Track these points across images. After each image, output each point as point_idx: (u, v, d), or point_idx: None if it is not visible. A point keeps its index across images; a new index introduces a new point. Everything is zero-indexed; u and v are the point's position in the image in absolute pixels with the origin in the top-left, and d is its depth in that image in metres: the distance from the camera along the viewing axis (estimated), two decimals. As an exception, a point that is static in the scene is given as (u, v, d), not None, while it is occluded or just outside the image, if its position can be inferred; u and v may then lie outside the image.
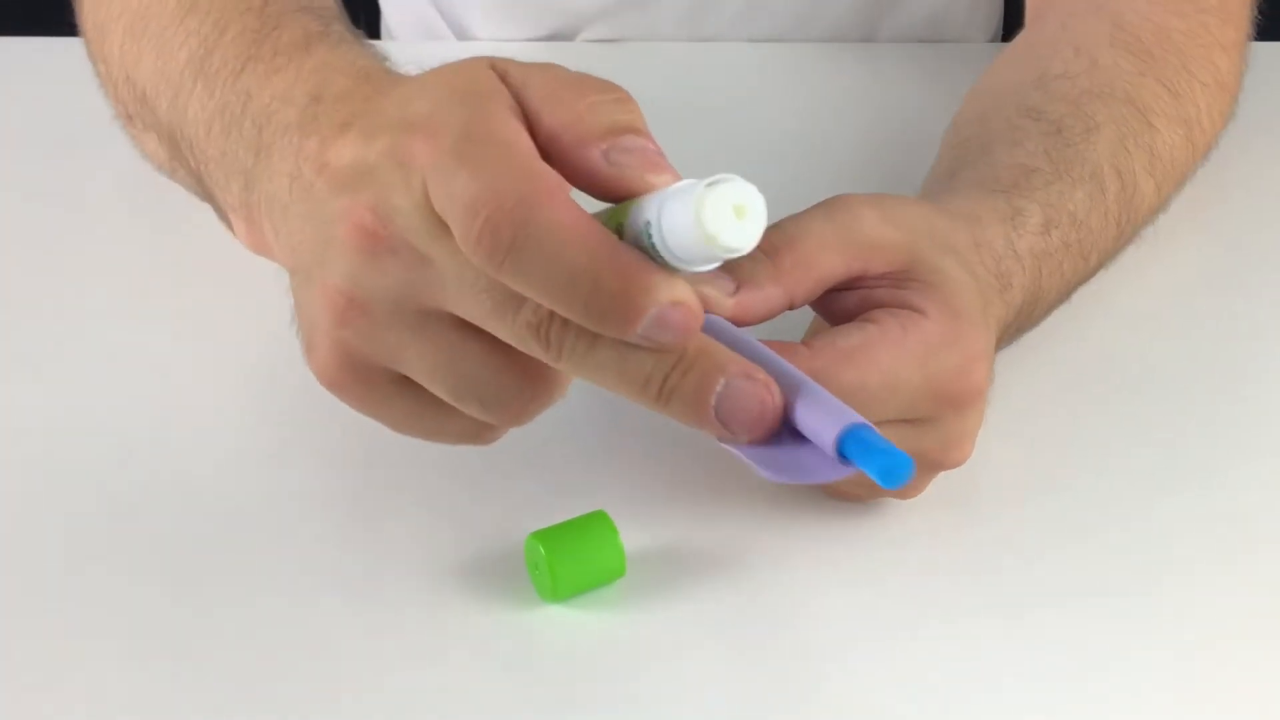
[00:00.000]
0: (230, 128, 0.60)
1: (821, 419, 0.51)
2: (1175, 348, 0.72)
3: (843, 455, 0.51)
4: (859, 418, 0.51)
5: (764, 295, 0.57)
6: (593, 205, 0.50)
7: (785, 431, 0.52)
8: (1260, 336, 0.73)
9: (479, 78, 0.51)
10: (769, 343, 0.56)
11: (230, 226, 0.63)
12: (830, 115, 0.88)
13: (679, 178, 0.50)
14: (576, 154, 0.50)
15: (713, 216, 0.47)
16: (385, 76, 0.57)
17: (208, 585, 0.60)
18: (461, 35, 1.01)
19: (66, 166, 0.84)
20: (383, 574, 0.60)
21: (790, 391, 0.52)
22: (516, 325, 0.49)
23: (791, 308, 0.59)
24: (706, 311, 0.52)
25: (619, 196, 0.50)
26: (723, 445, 0.52)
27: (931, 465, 0.60)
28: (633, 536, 0.60)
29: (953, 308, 0.59)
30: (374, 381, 0.53)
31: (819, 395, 0.52)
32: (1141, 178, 0.71)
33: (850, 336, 0.57)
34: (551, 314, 0.49)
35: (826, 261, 0.59)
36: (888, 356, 0.57)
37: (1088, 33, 0.77)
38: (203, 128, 0.63)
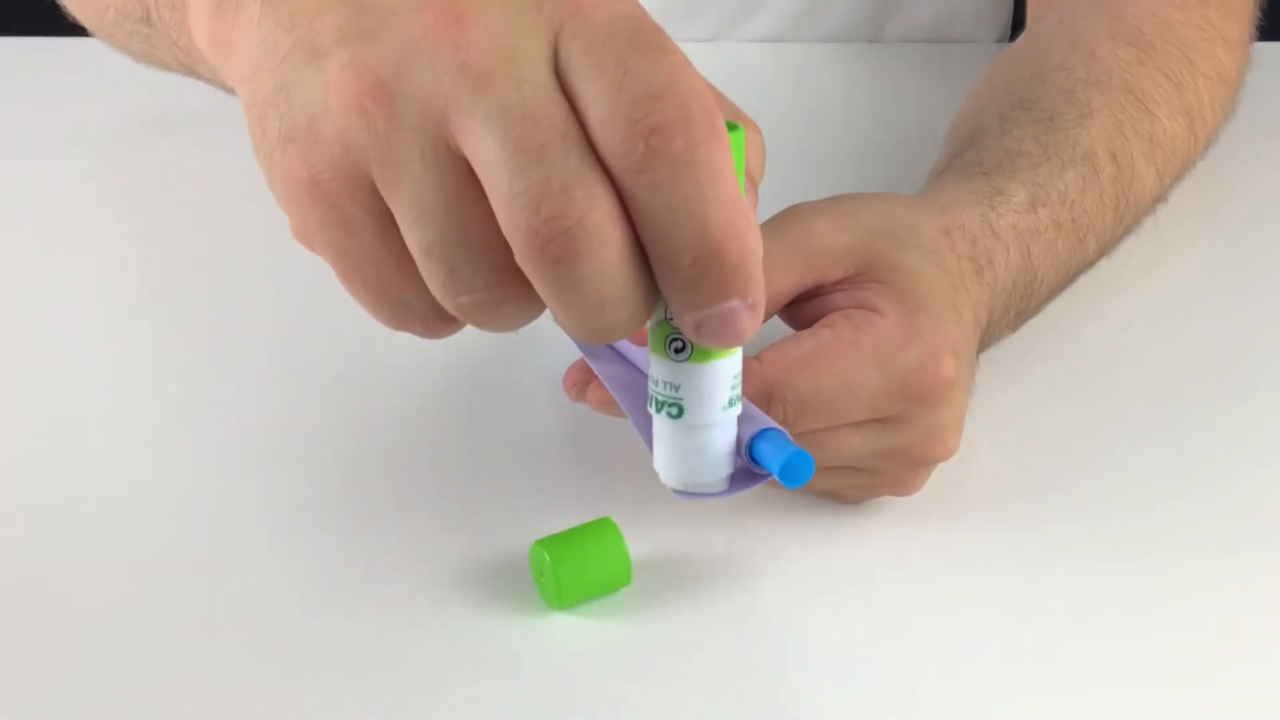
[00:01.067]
0: None
1: (742, 429, 0.49)
2: (1174, 347, 0.72)
3: (754, 460, 0.49)
4: (770, 422, 0.49)
5: None
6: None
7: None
8: (1260, 336, 0.73)
9: None
10: None
11: (168, 30, 0.55)
12: (836, 115, 0.88)
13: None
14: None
15: None
16: None
17: (211, 589, 0.60)
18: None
19: (67, 166, 0.84)
20: (388, 581, 0.60)
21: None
22: (517, 185, 0.41)
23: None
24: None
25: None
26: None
27: (916, 461, 0.60)
28: (639, 544, 0.60)
29: (910, 303, 0.58)
30: (354, 201, 0.44)
31: (750, 412, 0.50)
32: (1140, 163, 0.71)
33: (801, 344, 0.57)
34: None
35: (781, 279, 0.59)
36: (840, 360, 0.56)
37: (1086, 27, 0.77)
38: None
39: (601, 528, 0.59)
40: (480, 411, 0.68)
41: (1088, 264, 0.71)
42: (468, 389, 0.69)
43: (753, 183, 0.47)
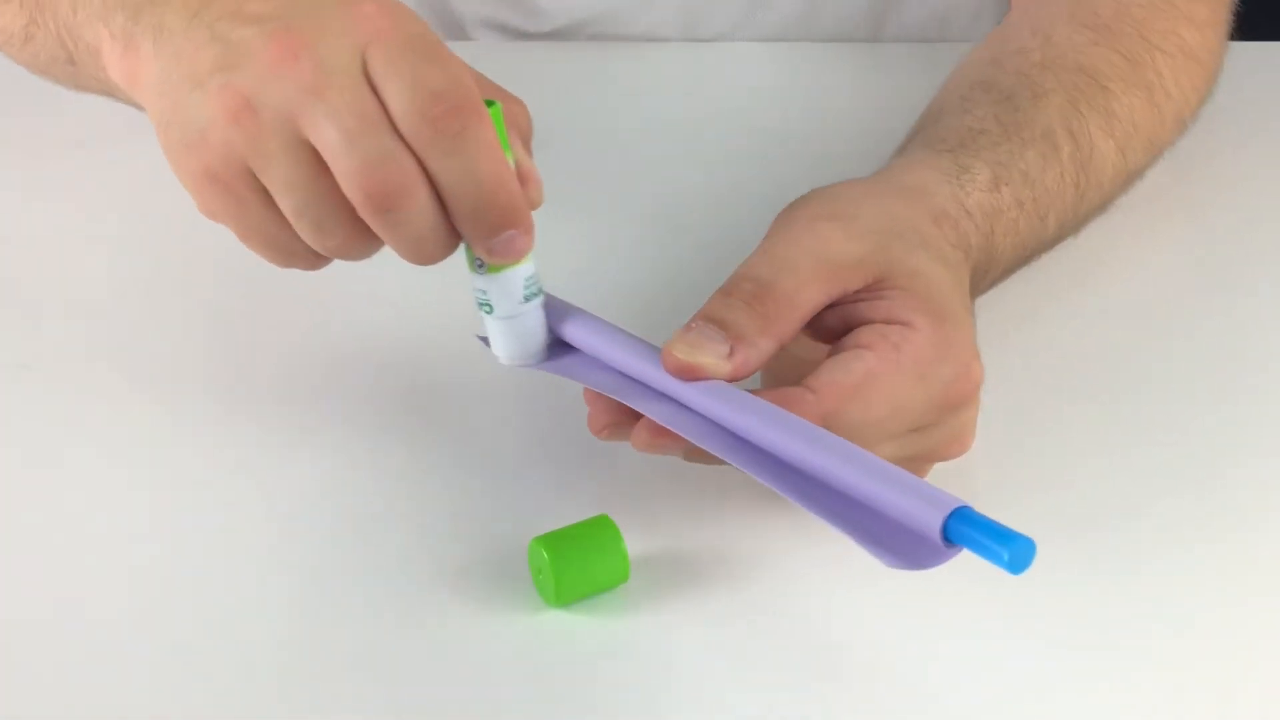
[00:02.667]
0: None
1: (915, 506, 0.53)
2: (1173, 346, 0.72)
3: (949, 540, 0.52)
4: (955, 500, 0.52)
5: (758, 351, 0.58)
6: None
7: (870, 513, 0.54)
8: (1259, 336, 0.73)
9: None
10: (771, 393, 0.57)
11: (89, 68, 0.68)
12: (834, 115, 0.88)
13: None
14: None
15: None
16: None
17: (208, 587, 0.60)
18: (460, 35, 1.01)
19: (67, 166, 0.84)
20: (386, 578, 0.60)
21: (869, 475, 0.54)
22: (352, 162, 0.56)
23: (782, 348, 0.59)
24: (705, 378, 0.58)
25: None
26: (823, 518, 0.55)
27: (937, 460, 0.61)
28: (637, 541, 0.60)
29: (937, 313, 0.59)
30: (241, 184, 0.58)
31: (899, 477, 0.53)
32: (1099, 139, 0.72)
33: (850, 371, 0.58)
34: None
35: (808, 298, 0.59)
36: (889, 384, 0.58)
37: (1046, 14, 0.78)
38: None
39: (599, 525, 0.59)
40: (478, 410, 0.68)
41: (1047, 243, 0.72)
42: (466, 388, 0.69)
43: (522, 138, 0.61)
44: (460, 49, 0.99)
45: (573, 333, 0.61)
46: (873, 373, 0.58)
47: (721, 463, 0.58)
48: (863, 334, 0.59)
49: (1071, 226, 0.73)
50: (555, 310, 0.61)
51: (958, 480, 0.62)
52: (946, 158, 0.67)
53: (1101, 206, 0.74)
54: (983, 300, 0.73)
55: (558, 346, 0.62)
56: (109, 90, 0.69)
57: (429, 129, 0.56)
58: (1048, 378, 0.70)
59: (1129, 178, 0.75)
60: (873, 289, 0.60)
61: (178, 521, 0.63)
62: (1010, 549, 0.51)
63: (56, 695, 0.56)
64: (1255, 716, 0.56)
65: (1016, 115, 0.71)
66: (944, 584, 0.60)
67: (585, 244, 0.78)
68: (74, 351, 0.72)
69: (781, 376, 0.61)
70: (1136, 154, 0.75)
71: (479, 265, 0.59)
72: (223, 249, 0.75)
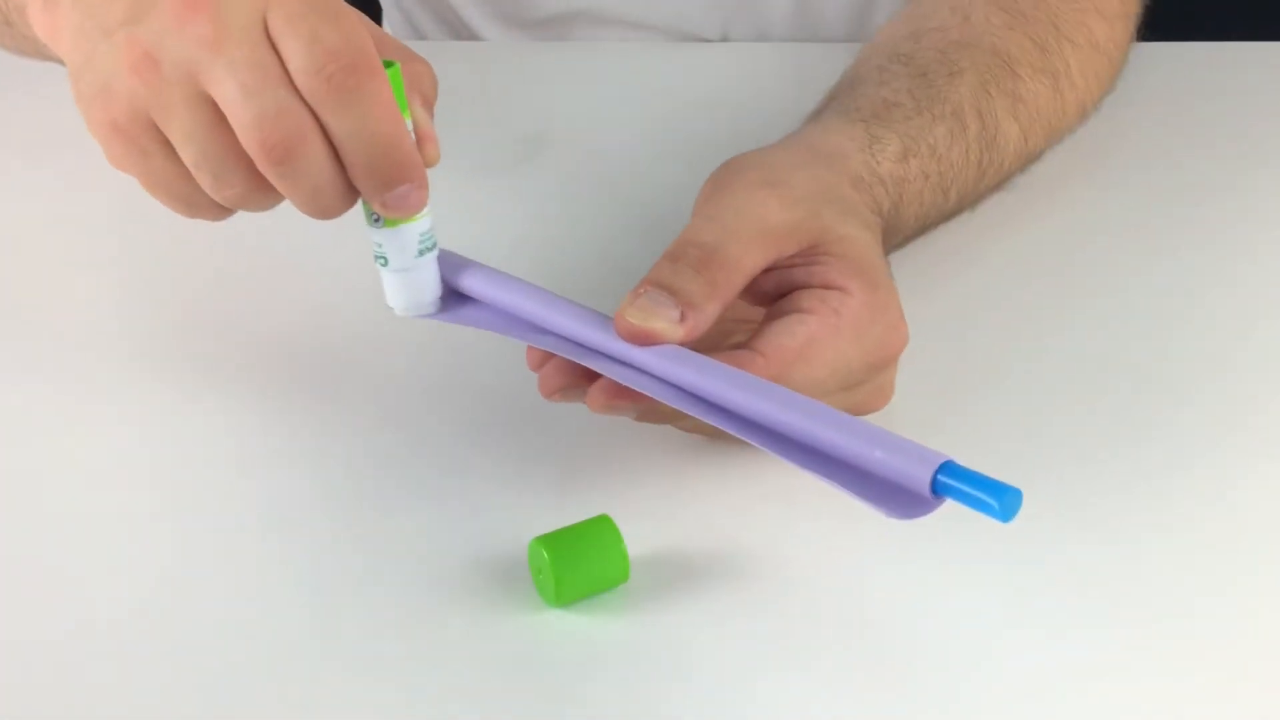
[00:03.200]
0: None
1: (903, 463, 0.55)
2: (1173, 345, 0.72)
3: (938, 494, 0.54)
4: (940, 455, 0.54)
5: (705, 315, 0.61)
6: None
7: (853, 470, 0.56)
8: (1257, 335, 0.73)
9: None
10: (722, 355, 0.60)
11: (21, 27, 0.70)
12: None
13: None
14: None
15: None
16: None
17: (209, 588, 0.60)
18: (459, 35, 1.01)
19: (66, 166, 0.84)
20: (386, 578, 0.60)
21: (855, 435, 0.56)
22: (247, 114, 0.57)
23: (724, 312, 0.62)
24: (657, 343, 0.59)
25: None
26: (812, 473, 0.56)
27: (859, 413, 0.63)
28: (637, 541, 0.60)
29: (869, 278, 0.63)
30: (144, 136, 0.59)
31: (883, 437, 0.55)
32: (1004, 120, 0.75)
33: (795, 335, 0.61)
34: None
35: (750, 263, 0.62)
36: (830, 346, 0.61)
37: None
38: None
39: (599, 525, 0.59)
40: (478, 409, 0.68)
41: (947, 214, 0.75)
42: (466, 387, 0.69)
43: (424, 99, 0.62)
44: (459, 49, 0.99)
45: (473, 285, 0.63)
46: (815, 336, 0.61)
47: (670, 422, 0.62)
48: (803, 299, 0.62)
49: (971, 201, 0.76)
50: (452, 264, 0.64)
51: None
52: (860, 127, 0.71)
53: (999, 185, 0.77)
54: (997, 297, 0.74)
55: (454, 298, 0.64)
56: (42, 52, 0.71)
57: (324, 85, 0.57)
58: (1043, 378, 0.70)
59: (1028, 159, 0.79)
60: (806, 254, 0.63)
61: (177, 522, 0.63)
62: (1000, 499, 0.53)
63: (55, 695, 0.56)
64: (1253, 713, 0.56)
65: (930, 91, 0.74)
66: (943, 582, 0.60)
67: (578, 242, 0.78)
68: (73, 349, 0.72)
69: (709, 337, 0.62)
70: (1037, 138, 0.78)
71: (375, 220, 0.61)
72: (224, 248, 0.75)
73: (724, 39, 0.96)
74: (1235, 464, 0.66)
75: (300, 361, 0.71)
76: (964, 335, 0.72)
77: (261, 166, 0.58)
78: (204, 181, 0.60)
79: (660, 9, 0.96)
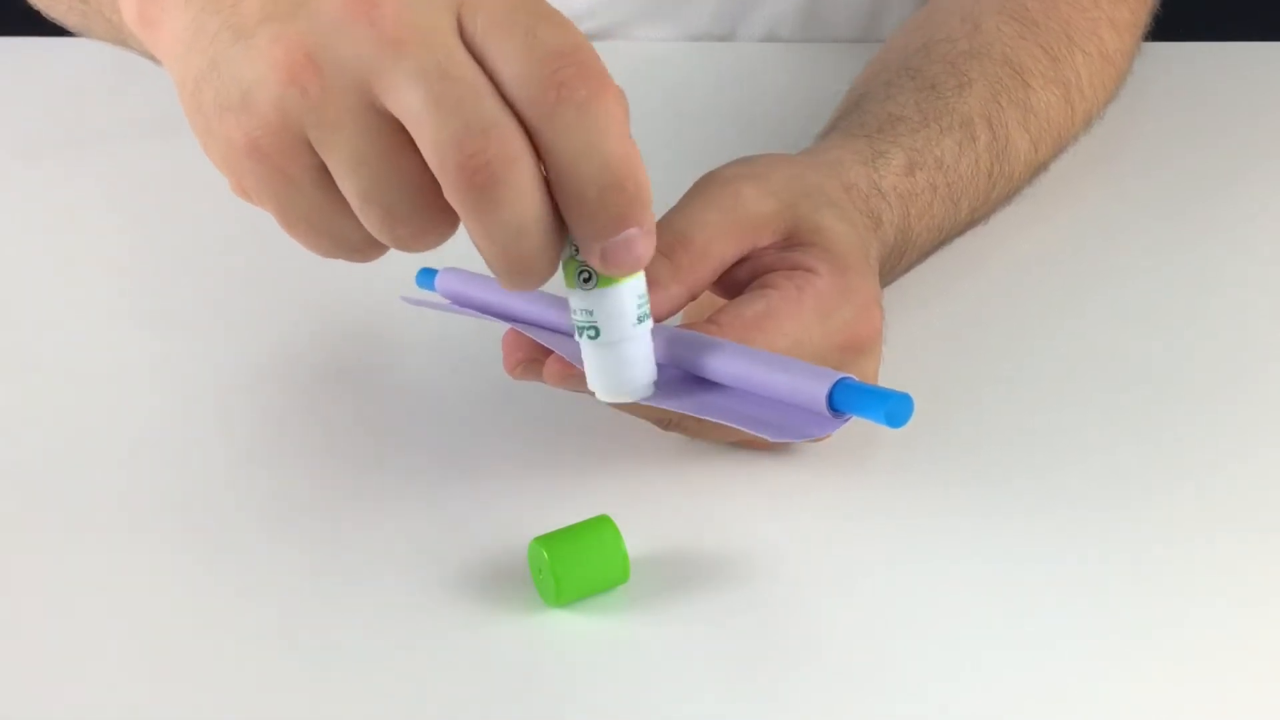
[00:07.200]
0: None
1: (803, 382, 0.56)
2: (1175, 346, 0.72)
3: (836, 410, 0.55)
4: (837, 374, 0.55)
5: (669, 295, 0.59)
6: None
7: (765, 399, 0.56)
8: (1261, 336, 0.73)
9: None
10: (681, 328, 0.60)
11: (102, 6, 0.61)
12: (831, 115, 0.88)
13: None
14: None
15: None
16: None
17: (207, 586, 0.60)
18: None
19: (66, 166, 0.84)
20: (385, 578, 0.60)
21: (761, 363, 0.57)
22: (445, 131, 0.47)
23: (693, 299, 0.61)
24: None
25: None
26: (715, 418, 0.56)
27: None
28: (637, 542, 0.60)
29: (840, 262, 0.62)
30: (293, 160, 0.49)
31: (789, 363, 0.56)
32: (1015, 132, 0.75)
33: (753, 305, 0.60)
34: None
35: (719, 249, 0.61)
36: (789, 320, 0.60)
37: (977, 3, 0.80)
38: None
39: (599, 525, 0.59)
40: (478, 409, 0.68)
41: (960, 226, 0.74)
42: (466, 386, 0.69)
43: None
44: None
45: (474, 292, 0.62)
46: (773, 308, 0.60)
47: (640, 415, 0.61)
48: (768, 278, 0.61)
49: (983, 213, 0.75)
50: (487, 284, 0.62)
51: (954, 478, 0.63)
52: (863, 141, 0.70)
53: (1010, 196, 0.77)
54: (997, 297, 0.74)
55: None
56: (120, 37, 0.62)
57: (551, 94, 0.47)
58: (1040, 377, 0.70)
59: (1037, 170, 0.78)
60: (780, 245, 0.62)
61: (175, 522, 0.63)
62: (887, 406, 0.54)
63: (55, 695, 0.56)
64: (1251, 711, 0.56)
65: (938, 104, 0.73)
66: (943, 582, 0.60)
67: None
68: (73, 349, 0.72)
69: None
70: (1047, 148, 0.78)
71: (585, 280, 0.51)
72: (224, 248, 0.75)
73: (732, 39, 0.97)
74: (1238, 465, 0.65)
75: (300, 361, 0.71)
76: (964, 335, 0.72)
77: (455, 196, 0.48)
78: (370, 216, 0.49)
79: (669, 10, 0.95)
